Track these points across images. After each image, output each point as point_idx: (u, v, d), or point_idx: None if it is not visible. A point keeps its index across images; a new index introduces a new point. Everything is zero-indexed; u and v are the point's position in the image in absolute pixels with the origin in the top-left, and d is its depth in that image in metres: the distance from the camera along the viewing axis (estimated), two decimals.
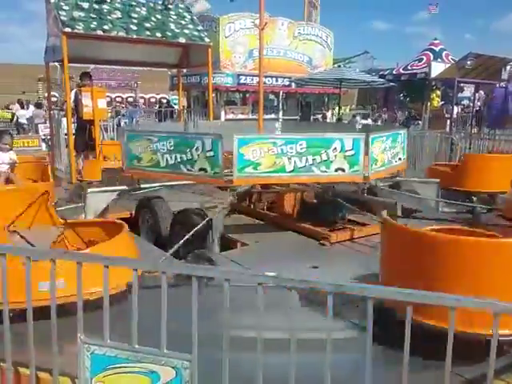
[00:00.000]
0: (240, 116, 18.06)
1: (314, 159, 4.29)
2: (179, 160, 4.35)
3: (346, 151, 4.36)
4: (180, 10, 9.37)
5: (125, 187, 5.06)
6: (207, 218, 4.42)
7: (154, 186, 5.54)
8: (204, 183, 5.12)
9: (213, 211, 4.84)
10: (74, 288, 1.92)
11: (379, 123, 19.07)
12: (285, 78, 18.56)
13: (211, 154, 4.20)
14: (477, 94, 20.91)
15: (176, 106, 18.02)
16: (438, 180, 5.20)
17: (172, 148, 4.37)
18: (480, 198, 6.04)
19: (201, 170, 4.32)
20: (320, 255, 4.59)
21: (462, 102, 23.72)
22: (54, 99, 17.82)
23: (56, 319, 1.98)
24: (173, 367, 1.73)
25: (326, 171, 4.35)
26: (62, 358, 2.13)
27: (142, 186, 5.33)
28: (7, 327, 2.08)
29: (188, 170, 4.36)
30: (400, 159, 4.72)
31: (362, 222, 5.44)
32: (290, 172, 4.31)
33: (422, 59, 21.26)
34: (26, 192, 3.88)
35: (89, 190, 4.71)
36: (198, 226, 4.18)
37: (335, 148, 4.33)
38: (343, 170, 4.40)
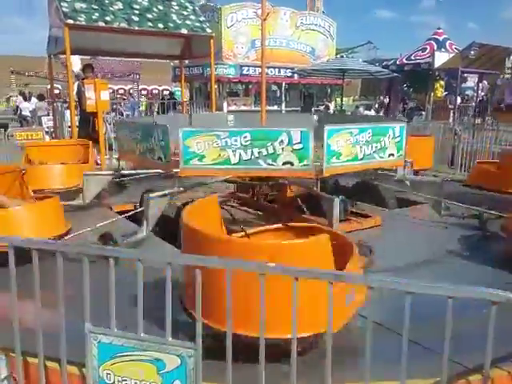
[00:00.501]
0: (243, 107, 18.02)
1: (259, 152, 4.24)
2: (257, 155, 4.23)
3: (396, 137, 4.70)
4: (182, 1, 9.34)
5: (114, 172, 5.24)
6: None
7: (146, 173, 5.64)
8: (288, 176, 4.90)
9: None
10: None
11: (381, 114, 19.03)
12: (287, 68, 18.47)
13: (299, 146, 4.16)
14: (480, 84, 20.81)
15: (179, 98, 17.99)
16: (441, 178, 5.35)
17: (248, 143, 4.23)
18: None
19: (285, 163, 4.25)
20: None
21: (466, 93, 23.60)
22: (56, 91, 17.80)
23: (64, 307, 2.03)
24: (178, 355, 1.78)
25: (273, 164, 4.28)
26: (70, 347, 2.17)
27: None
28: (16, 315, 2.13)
29: (269, 164, 4.25)
30: (392, 155, 4.70)
31: (365, 213, 5.48)
32: (234, 164, 4.27)
33: (426, 49, 21.10)
34: None
35: (85, 172, 4.78)
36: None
37: (282, 141, 4.25)
38: (393, 155, 4.71)
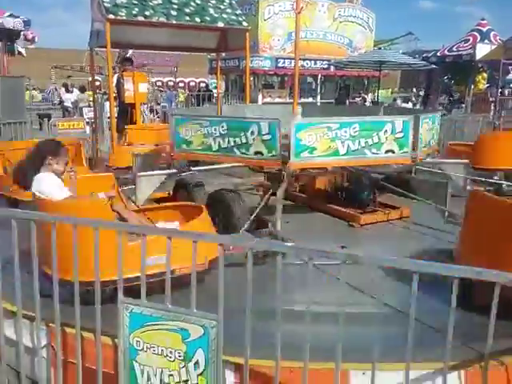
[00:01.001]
0: (277, 99, 18.09)
1: (366, 142, 4.35)
2: (232, 144, 4.42)
3: (397, 133, 4.44)
4: None
5: (174, 170, 5.24)
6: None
7: (199, 170, 5.71)
8: (259, 165, 5.15)
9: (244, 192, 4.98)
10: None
11: (418, 107, 18.66)
12: (324, 60, 18.39)
13: (268, 137, 4.27)
14: None
15: (214, 90, 18.24)
16: (467, 160, 5.15)
17: (225, 132, 4.45)
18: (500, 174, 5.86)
19: (256, 153, 4.37)
20: (349, 236, 4.70)
21: (511, 86, 22.77)
22: (96, 83, 18.40)
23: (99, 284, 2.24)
24: (201, 326, 1.94)
25: (377, 153, 4.41)
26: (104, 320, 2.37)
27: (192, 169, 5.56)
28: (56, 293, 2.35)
29: (242, 153, 4.43)
30: (392, 151, 4.53)
31: (393, 205, 5.50)
32: (343, 155, 4.36)
33: (468, 40, 20.47)
34: None
35: (139, 174, 4.90)
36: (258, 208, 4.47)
37: (386, 130, 4.39)
38: (393, 152, 4.47)
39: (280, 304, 1.94)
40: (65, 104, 17.35)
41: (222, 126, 4.39)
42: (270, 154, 4.26)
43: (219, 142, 4.45)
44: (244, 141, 4.32)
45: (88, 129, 10.23)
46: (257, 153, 4.32)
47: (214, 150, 4.50)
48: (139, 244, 2.14)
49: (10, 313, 2.84)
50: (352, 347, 2.15)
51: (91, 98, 10.44)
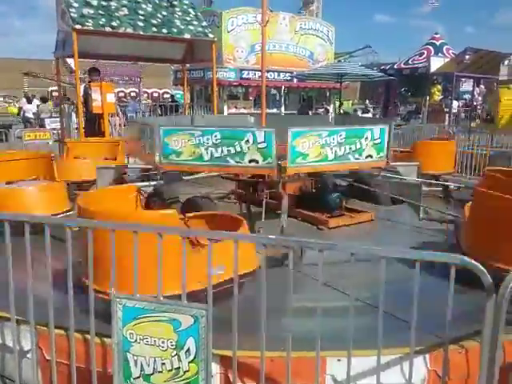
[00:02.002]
0: (242, 110, 18.36)
1: (350, 148, 4.70)
2: (226, 153, 4.48)
3: (375, 139, 4.83)
4: (185, 6, 9.68)
5: (161, 182, 5.19)
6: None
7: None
8: (254, 173, 5.27)
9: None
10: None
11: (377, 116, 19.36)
12: (286, 72, 18.82)
13: (264, 145, 4.40)
14: (477, 89, 21.17)
15: (181, 101, 18.30)
16: (417, 163, 5.61)
17: (218, 141, 4.49)
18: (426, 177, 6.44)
19: (251, 161, 4.47)
20: (318, 239, 4.91)
21: (464, 97, 23.97)
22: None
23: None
24: (191, 315, 2.08)
25: (358, 158, 4.78)
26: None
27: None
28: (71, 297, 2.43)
29: (237, 161, 4.50)
30: (370, 156, 4.89)
31: (359, 209, 5.79)
32: (331, 160, 4.66)
33: (423, 54, 21.53)
34: None
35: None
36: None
37: (366, 137, 4.78)
38: (371, 156, 4.85)
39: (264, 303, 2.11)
40: (26, 115, 17.04)
41: (215, 136, 4.45)
42: (266, 162, 4.42)
43: (211, 152, 4.49)
44: (238, 149, 4.42)
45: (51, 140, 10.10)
46: (251, 161, 4.44)
47: (205, 159, 4.53)
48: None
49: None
50: (328, 337, 2.35)
51: (52, 108, 10.41)
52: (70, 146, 7.33)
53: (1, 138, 8.95)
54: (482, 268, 1.76)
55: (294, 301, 2.20)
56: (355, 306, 2.15)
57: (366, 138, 4.77)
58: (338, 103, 18.83)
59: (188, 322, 2.09)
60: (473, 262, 1.77)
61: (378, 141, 4.86)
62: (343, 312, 2.22)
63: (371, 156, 4.85)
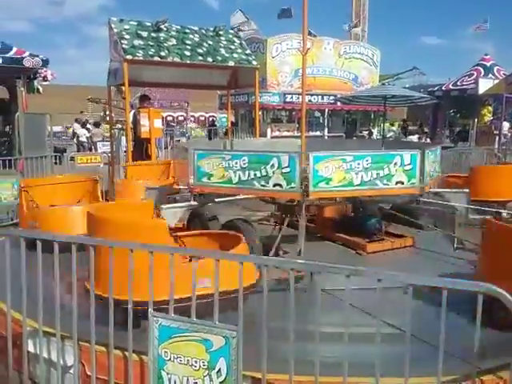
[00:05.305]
0: (285, 133, 18.57)
1: (377, 173, 4.61)
2: (252, 176, 4.60)
3: (405, 165, 4.69)
4: (230, 36, 10.03)
5: (194, 202, 5.26)
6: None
7: (217, 202, 5.91)
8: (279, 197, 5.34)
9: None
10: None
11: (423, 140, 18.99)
12: (330, 95, 18.93)
13: (288, 170, 4.48)
14: None
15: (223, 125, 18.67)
16: (467, 190, 5.38)
17: (246, 165, 4.64)
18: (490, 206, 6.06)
19: (275, 185, 4.56)
20: (356, 264, 4.87)
21: None
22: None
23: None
24: (223, 336, 2.17)
25: (387, 184, 4.66)
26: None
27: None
28: (93, 303, 2.60)
29: (262, 185, 4.61)
30: (401, 183, 4.77)
31: (399, 233, 5.72)
32: (357, 186, 4.60)
33: (473, 74, 21.04)
34: None
35: (162, 206, 5.12)
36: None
37: (395, 163, 4.66)
38: (402, 183, 4.71)
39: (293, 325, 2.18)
40: (80, 139, 17.96)
41: (243, 160, 4.59)
42: (289, 186, 4.48)
43: (239, 175, 4.63)
44: (264, 173, 4.52)
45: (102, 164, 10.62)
46: (276, 185, 4.52)
47: (234, 182, 4.67)
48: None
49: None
50: (356, 363, 2.36)
51: (105, 133, 10.97)
52: (129, 169, 7.67)
53: (55, 161, 9.47)
54: (509, 296, 1.75)
55: (322, 325, 2.24)
56: (383, 334, 2.17)
57: (395, 163, 4.64)
58: (382, 125, 18.66)
59: (219, 343, 2.17)
60: (498, 290, 1.77)
61: (410, 167, 4.69)
62: (370, 338, 2.24)
63: (402, 182, 4.70)
